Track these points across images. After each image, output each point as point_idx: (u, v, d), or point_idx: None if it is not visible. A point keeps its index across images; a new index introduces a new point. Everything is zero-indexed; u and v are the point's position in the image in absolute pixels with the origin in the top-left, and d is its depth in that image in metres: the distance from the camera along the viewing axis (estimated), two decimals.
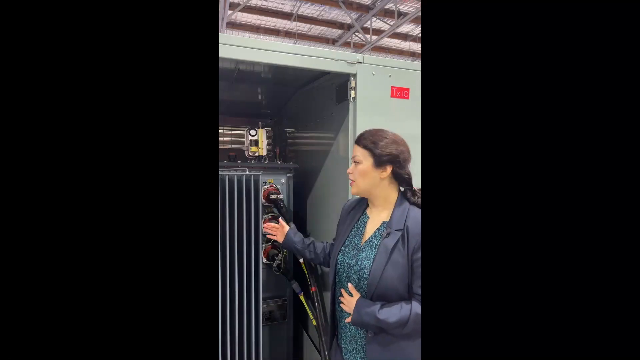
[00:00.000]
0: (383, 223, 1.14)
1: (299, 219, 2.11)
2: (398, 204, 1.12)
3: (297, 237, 1.49)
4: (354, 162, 1.15)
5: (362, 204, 1.26)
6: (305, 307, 1.85)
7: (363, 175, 1.13)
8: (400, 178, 1.14)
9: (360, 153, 1.13)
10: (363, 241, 1.16)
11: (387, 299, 1.05)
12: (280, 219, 1.71)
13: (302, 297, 1.87)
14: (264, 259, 1.85)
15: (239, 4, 5.37)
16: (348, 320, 1.11)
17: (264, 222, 1.71)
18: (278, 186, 1.93)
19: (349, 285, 1.12)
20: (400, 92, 1.56)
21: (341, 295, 1.14)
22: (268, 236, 1.59)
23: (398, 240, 1.05)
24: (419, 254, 1.02)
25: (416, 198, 1.12)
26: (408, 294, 1.05)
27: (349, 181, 1.19)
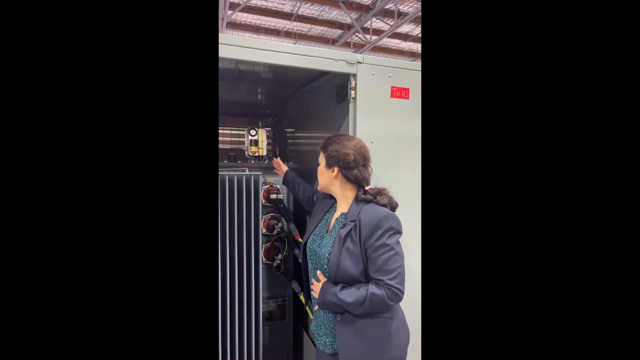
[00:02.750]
0: (342, 214, 1.25)
1: (298, 219, 2.11)
2: (355, 200, 1.22)
3: (294, 178, 1.74)
4: (319, 162, 1.30)
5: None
6: (305, 307, 1.85)
7: (319, 174, 1.29)
8: (347, 178, 1.23)
9: (321, 155, 1.29)
10: (327, 231, 1.28)
11: (346, 283, 1.15)
12: (278, 158, 1.89)
13: (302, 297, 1.86)
14: (264, 259, 1.85)
15: (239, 4, 5.37)
16: (317, 307, 1.22)
17: (264, 222, 1.73)
18: (278, 186, 1.93)
19: (318, 272, 1.22)
20: (400, 92, 1.56)
21: (312, 283, 1.26)
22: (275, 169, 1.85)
23: (351, 230, 1.15)
24: (369, 243, 1.11)
25: (367, 196, 1.21)
26: (365, 279, 1.14)
27: None
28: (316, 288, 1.20)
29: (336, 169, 1.24)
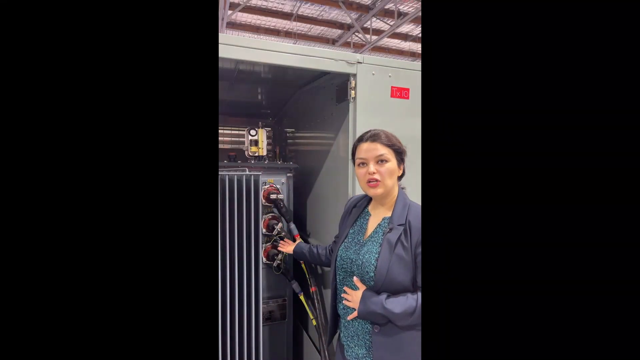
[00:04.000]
0: (384, 219, 1.16)
1: (299, 219, 2.11)
2: (399, 200, 1.15)
3: (305, 247, 1.62)
4: (381, 161, 1.12)
5: (364, 201, 1.28)
6: (305, 307, 1.85)
7: (391, 174, 1.13)
8: (402, 175, 1.19)
9: (387, 152, 1.13)
10: (365, 237, 1.18)
11: (392, 292, 1.06)
12: (286, 239, 1.79)
13: (302, 297, 1.86)
14: (264, 259, 1.85)
15: (239, 4, 5.37)
16: (351, 316, 1.12)
17: (264, 222, 1.73)
18: (278, 186, 1.93)
19: (354, 278, 1.12)
20: (400, 92, 1.56)
21: (344, 292, 1.16)
22: (279, 248, 1.76)
23: (400, 235, 1.07)
24: (421, 248, 1.04)
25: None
26: (413, 287, 1.06)
27: (374, 182, 1.12)
28: (354, 297, 1.10)
29: (402, 167, 1.16)
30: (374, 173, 1.11)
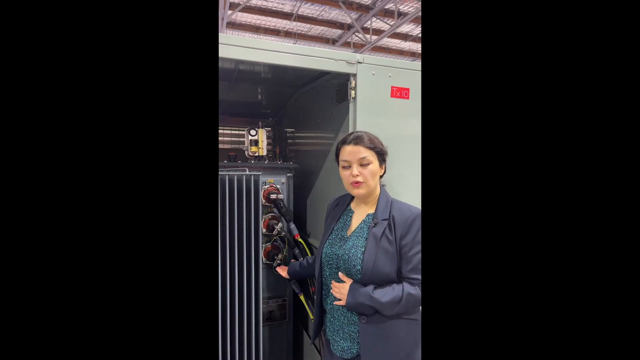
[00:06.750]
0: (368, 215, 1.21)
1: (299, 219, 2.11)
2: (381, 197, 1.20)
3: (296, 264, 1.63)
4: (364, 164, 1.17)
5: (345, 200, 1.34)
6: (305, 307, 1.85)
7: (374, 175, 1.18)
8: (383, 174, 1.24)
9: (370, 154, 1.17)
10: (349, 233, 1.22)
11: (378, 284, 1.11)
12: (282, 266, 1.78)
13: (302, 297, 1.87)
14: (264, 259, 1.85)
15: (239, 4, 5.37)
16: (337, 302, 1.16)
17: (264, 222, 1.73)
18: (278, 186, 1.93)
19: (340, 273, 1.17)
20: (400, 92, 1.56)
21: (332, 287, 1.20)
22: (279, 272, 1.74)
23: (385, 229, 1.12)
24: (406, 240, 1.10)
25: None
26: (398, 278, 1.11)
27: (357, 183, 1.17)
28: (342, 290, 1.14)
29: (384, 166, 1.21)
30: (357, 175, 1.17)
